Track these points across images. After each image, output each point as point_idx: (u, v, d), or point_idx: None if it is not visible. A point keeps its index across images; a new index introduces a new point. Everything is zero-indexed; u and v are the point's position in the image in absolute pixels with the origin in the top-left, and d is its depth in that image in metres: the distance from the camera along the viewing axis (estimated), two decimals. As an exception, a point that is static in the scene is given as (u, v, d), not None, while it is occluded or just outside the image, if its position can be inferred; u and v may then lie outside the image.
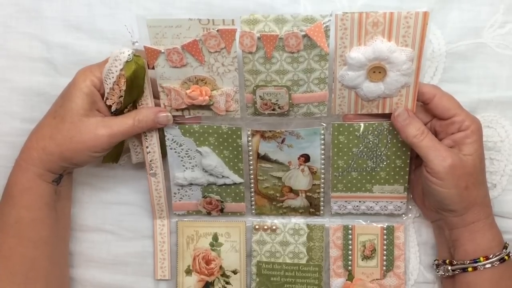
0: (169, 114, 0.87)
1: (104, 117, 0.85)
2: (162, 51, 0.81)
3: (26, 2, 0.93)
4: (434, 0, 0.89)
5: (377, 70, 0.81)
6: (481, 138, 0.83)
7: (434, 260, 0.91)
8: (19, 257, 0.83)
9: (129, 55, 0.80)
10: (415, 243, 0.95)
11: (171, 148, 0.91)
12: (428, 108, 0.84)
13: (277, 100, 0.85)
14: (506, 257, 0.82)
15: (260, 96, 0.85)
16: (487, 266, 0.82)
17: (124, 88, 0.82)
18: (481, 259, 0.82)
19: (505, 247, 0.83)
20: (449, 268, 0.85)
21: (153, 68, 0.83)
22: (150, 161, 0.91)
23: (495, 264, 0.82)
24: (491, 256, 0.82)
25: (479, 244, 0.83)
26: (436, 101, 0.83)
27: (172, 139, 0.91)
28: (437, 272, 0.89)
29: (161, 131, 0.90)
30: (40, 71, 0.94)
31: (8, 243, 0.83)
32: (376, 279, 0.93)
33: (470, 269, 0.83)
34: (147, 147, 0.90)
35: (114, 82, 0.81)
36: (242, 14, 0.89)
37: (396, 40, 0.79)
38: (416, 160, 0.90)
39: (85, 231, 0.98)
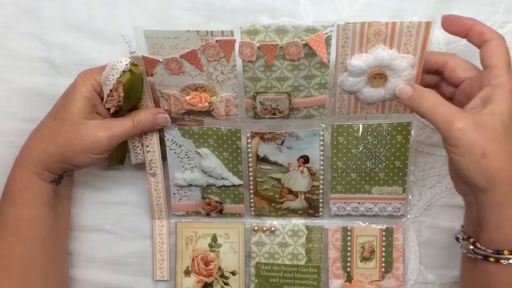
0: (168, 115, 0.88)
1: (103, 119, 0.86)
2: (161, 60, 0.80)
3: (26, 2, 0.92)
4: (434, 0, 0.89)
5: (377, 76, 0.81)
6: None
7: (458, 233, 0.81)
8: (17, 255, 0.84)
9: (126, 65, 0.80)
10: (415, 243, 0.95)
11: (170, 149, 0.91)
12: (480, 52, 0.77)
13: (277, 105, 0.85)
14: None
15: (260, 102, 0.84)
16: None
17: (122, 94, 0.82)
18: (505, 252, 0.72)
19: None
20: (471, 248, 0.76)
21: (151, 75, 0.83)
22: (150, 160, 0.91)
23: None
24: None
25: (505, 235, 0.72)
26: (490, 44, 0.74)
27: (172, 140, 0.91)
28: (460, 246, 0.80)
29: (161, 131, 0.90)
30: (40, 71, 0.94)
31: (6, 241, 0.84)
32: (375, 281, 0.93)
33: (492, 259, 0.73)
34: (147, 146, 0.90)
35: (112, 89, 0.81)
36: (242, 14, 0.89)
37: (397, 48, 0.78)
38: None
39: (85, 231, 0.98)
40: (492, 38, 0.74)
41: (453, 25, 0.77)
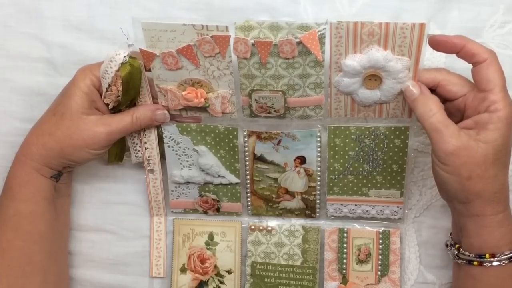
0: (166, 112, 0.88)
1: (103, 115, 0.86)
2: (158, 54, 0.81)
3: (26, 2, 0.93)
4: (434, 0, 0.89)
5: (372, 78, 0.81)
6: (508, 130, 0.74)
7: (447, 239, 0.86)
8: (17, 250, 0.85)
9: (124, 57, 0.81)
10: (415, 243, 0.94)
11: (168, 146, 0.92)
12: (472, 71, 0.77)
13: (272, 104, 0.85)
14: None
15: (255, 100, 0.85)
16: (495, 264, 0.76)
17: (120, 88, 0.82)
18: (487, 256, 0.77)
19: None
20: (456, 253, 0.81)
21: (149, 70, 0.84)
22: (148, 157, 0.92)
23: (503, 263, 0.76)
24: (498, 255, 0.76)
25: (485, 241, 0.77)
26: (483, 66, 0.75)
27: (170, 137, 0.91)
28: (448, 252, 0.85)
29: (159, 128, 0.91)
30: (40, 71, 0.94)
31: (6, 236, 0.85)
32: (371, 284, 0.93)
33: (475, 263, 0.78)
34: (145, 143, 0.91)
35: (111, 82, 0.82)
36: (242, 14, 0.89)
37: (392, 49, 0.77)
38: None
39: (85, 231, 0.99)
40: (485, 59, 0.75)
41: (440, 45, 0.77)
